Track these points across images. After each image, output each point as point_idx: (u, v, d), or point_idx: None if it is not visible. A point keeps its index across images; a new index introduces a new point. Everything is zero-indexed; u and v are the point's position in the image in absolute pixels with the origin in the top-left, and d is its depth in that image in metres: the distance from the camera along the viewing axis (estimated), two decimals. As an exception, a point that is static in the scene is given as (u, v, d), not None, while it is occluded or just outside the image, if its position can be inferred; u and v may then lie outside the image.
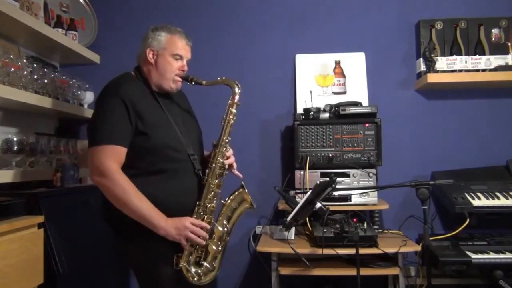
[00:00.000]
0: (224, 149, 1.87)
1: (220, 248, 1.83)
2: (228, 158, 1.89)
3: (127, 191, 1.66)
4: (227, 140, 1.88)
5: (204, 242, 1.76)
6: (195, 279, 1.77)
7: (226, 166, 1.87)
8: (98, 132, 1.72)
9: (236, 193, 1.88)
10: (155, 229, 1.69)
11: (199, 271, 1.79)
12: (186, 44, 1.87)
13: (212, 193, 1.82)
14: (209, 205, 1.81)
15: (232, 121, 1.88)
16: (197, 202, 1.80)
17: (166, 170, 1.77)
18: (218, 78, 1.89)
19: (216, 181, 1.84)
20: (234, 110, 1.89)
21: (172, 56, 1.84)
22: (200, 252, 1.79)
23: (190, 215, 1.77)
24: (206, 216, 1.80)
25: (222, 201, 1.87)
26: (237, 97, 1.89)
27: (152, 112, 1.79)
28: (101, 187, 1.70)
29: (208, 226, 1.78)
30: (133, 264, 1.85)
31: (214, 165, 1.83)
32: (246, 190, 1.88)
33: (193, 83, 1.88)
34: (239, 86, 1.90)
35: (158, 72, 1.84)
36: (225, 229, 1.84)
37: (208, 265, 1.81)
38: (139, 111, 1.73)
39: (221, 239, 1.83)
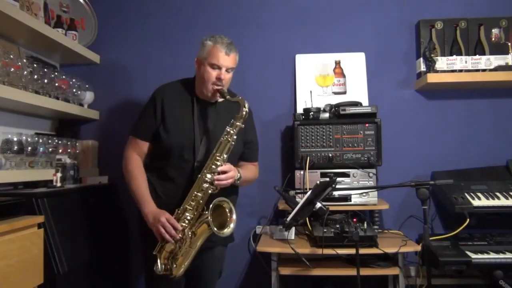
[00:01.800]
0: (214, 165, 1.86)
1: (187, 255, 1.85)
2: (224, 173, 1.86)
3: (131, 175, 1.95)
4: (219, 157, 1.87)
5: (171, 240, 1.82)
6: (159, 270, 1.84)
7: (215, 183, 1.86)
8: (134, 123, 2.04)
9: (204, 215, 1.84)
10: (141, 212, 1.91)
11: (165, 266, 1.85)
12: (225, 53, 1.91)
13: (194, 202, 1.86)
14: (188, 211, 1.86)
15: (230, 140, 1.88)
16: (181, 206, 1.88)
17: (168, 174, 1.95)
18: (238, 97, 1.94)
19: (202, 192, 1.86)
20: (233, 131, 1.89)
21: (210, 66, 1.93)
22: (172, 249, 1.85)
23: None
24: (186, 220, 1.85)
25: (205, 212, 1.86)
26: (243, 117, 1.90)
27: (179, 117, 1.96)
28: (122, 168, 2.01)
29: (180, 228, 1.83)
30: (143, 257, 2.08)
31: (199, 175, 1.88)
32: (225, 210, 1.87)
33: (219, 95, 1.95)
34: (246, 108, 1.91)
35: (199, 78, 1.99)
36: (189, 238, 1.84)
37: (175, 265, 1.85)
38: (166, 116, 1.95)
39: (188, 247, 1.85)
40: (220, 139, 1.89)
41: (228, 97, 1.93)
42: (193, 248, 1.86)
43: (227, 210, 1.89)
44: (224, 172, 1.87)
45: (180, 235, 1.83)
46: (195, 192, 1.87)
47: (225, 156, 1.88)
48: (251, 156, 2.15)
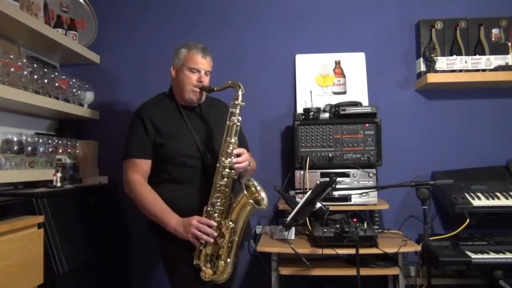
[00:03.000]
0: (228, 149, 1.88)
1: (231, 247, 1.85)
2: (236, 157, 1.88)
3: (143, 196, 1.88)
4: (232, 141, 1.88)
5: (211, 240, 1.81)
6: (206, 276, 1.83)
7: (234, 166, 1.87)
8: (124, 148, 1.99)
9: (239, 195, 1.87)
10: (167, 228, 1.84)
11: (212, 270, 1.84)
12: (202, 57, 1.98)
13: (220, 192, 1.86)
14: (218, 204, 1.85)
15: (236, 122, 1.91)
16: (209, 201, 1.87)
17: (181, 178, 1.93)
18: (225, 82, 1.97)
19: (225, 180, 1.86)
20: (236, 111, 1.92)
21: (190, 70, 1.98)
22: (212, 250, 1.84)
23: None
24: (216, 215, 1.85)
25: (232, 200, 1.88)
26: (239, 98, 1.93)
27: (171, 124, 1.97)
28: (128, 195, 1.94)
29: (215, 224, 1.82)
30: (163, 260, 2.02)
31: (218, 164, 1.88)
32: (253, 189, 1.88)
33: (206, 91, 2.00)
34: (241, 87, 1.94)
35: (179, 85, 2.01)
36: (231, 227, 1.84)
37: (221, 264, 1.84)
38: (158, 126, 1.95)
39: (230, 238, 1.85)
40: (226, 123, 1.91)
41: (216, 88, 1.97)
42: (236, 236, 1.86)
43: (253, 189, 1.91)
44: (238, 155, 1.89)
45: (216, 232, 1.82)
46: (218, 182, 1.86)
47: (235, 138, 1.90)
48: (243, 146, 2.14)
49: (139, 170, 1.93)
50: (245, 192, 1.83)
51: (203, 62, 1.98)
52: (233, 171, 1.87)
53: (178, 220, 1.83)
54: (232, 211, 1.86)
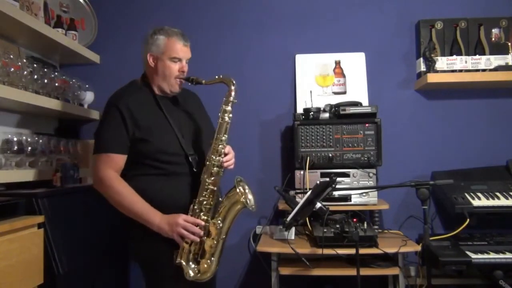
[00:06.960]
0: (220, 146, 1.85)
1: (216, 246, 1.83)
2: (225, 155, 1.87)
3: (121, 193, 1.78)
4: (223, 138, 1.85)
5: (197, 239, 1.77)
6: (191, 275, 1.79)
7: (224, 165, 1.85)
8: (97, 141, 1.85)
9: (231, 192, 1.85)
10: (150, 225, 1.77)
11: (195, 268, 1.81)
12: (184, 45, 1.89)
13: (208, 190, 1.82)
14: (204, 203, 1.82)
15: (227, 119, 1.86)
16: (193, 200, 1.82)
17: (162, 173, 1.84)
18: (216, 77, 1.90)
19: (212, 178, 1.83)
20: (228, 108, 1.87)
21: (171, 60, 1.88)
22: (196, 249, 1.81)
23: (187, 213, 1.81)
24: (202, 214, 1.81)
25: (220, 199, 1.86)
26: (232, 95, 1.87)
27: (151, 118, 1.86)
28: (101, 193, 1.83)
29: (202, 223, 1.79)
30: (139, 259, 1.94)
31: (208, 162, 1.84)
32: (240, 188, 1.83)
33: (193, 83, 1.91)
34: (234, 83, 1.88)
35: (158, 76, 1.91)
36: (219, 226, 1.82)
37: (205, 263, 1.81)
38: (137, 119, 1.82)
39: (217, 237, 1.83)
40: (219, 121, 1.86)
41: (204, 81, 1.89)
42: (223, 235, 1.83)
43: (241, 188, 1.85)
44: (225, 154, 1.87)
45: (203, 231, 1.78)
46: (207, 180, 1.81)
47: (226, 136, 1.86)
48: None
49: (115, 166, 1.80)
50: (237, 190, 1.81)
51: (184, 50, 1.88)
52: (222, 169, 1.84)
53: (162, 217, 1.76)
54: (221, 209, 1.83)
